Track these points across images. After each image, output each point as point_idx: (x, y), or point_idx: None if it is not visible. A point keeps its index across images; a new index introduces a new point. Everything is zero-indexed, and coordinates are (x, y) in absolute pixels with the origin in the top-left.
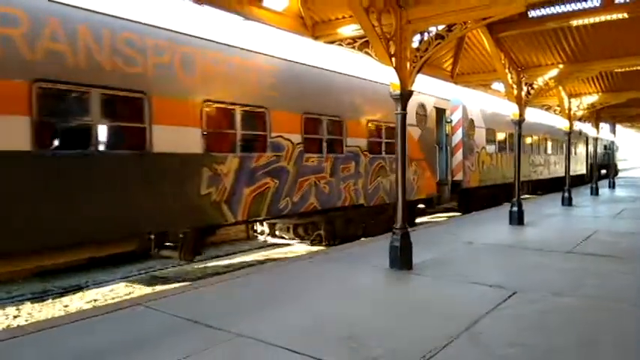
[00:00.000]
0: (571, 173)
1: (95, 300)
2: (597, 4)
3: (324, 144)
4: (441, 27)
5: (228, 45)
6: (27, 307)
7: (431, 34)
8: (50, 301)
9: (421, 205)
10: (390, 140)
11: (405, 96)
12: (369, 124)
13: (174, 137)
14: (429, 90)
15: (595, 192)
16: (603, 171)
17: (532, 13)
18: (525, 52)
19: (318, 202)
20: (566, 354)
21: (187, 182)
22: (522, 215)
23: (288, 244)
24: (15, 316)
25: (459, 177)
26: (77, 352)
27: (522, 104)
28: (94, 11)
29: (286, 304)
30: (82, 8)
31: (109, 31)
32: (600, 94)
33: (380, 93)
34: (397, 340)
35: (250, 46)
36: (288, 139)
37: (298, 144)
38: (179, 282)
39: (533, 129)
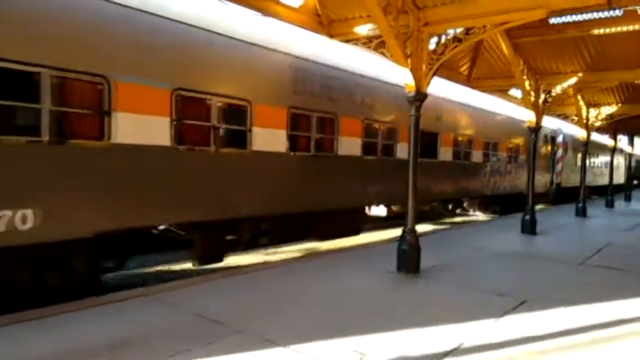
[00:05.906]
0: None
1: None
2: (619, 14)
3: (512, 158)
4: (459, 30)
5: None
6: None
7: (448, 37)
8: None
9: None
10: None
11: (419, 98)
12: (522, 146)
13: (478, 155)
14: (548, 125)
15: (610, 204)
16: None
17: (553, 20)
18: (544, 58)
19: (509, 188)
20: None
21: (478, 175)
22: (535, 224)
23: (471, 214)
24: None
25: (558, 179)
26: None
27: (540, 112)
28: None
29: (288, 305)
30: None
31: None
32: (620, 105)
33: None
34: (397, 344)
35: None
36: (501, 154)
37: (504, 157)
38: None
39: (599, 147)
